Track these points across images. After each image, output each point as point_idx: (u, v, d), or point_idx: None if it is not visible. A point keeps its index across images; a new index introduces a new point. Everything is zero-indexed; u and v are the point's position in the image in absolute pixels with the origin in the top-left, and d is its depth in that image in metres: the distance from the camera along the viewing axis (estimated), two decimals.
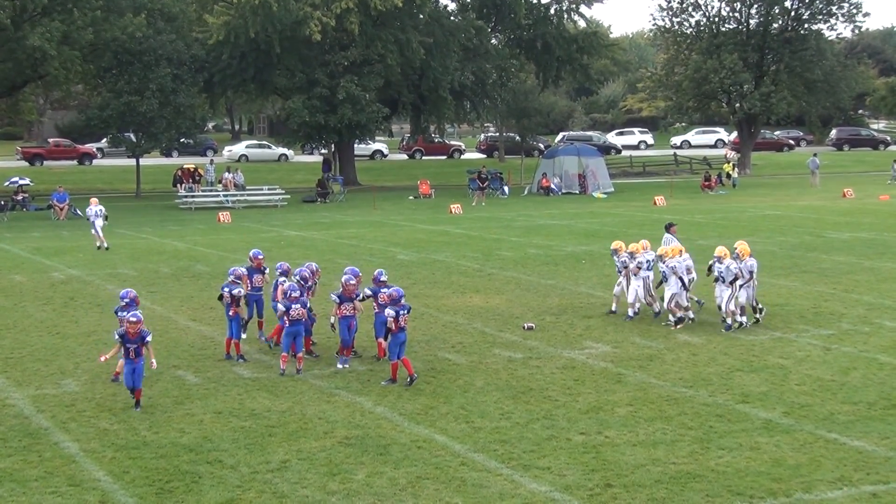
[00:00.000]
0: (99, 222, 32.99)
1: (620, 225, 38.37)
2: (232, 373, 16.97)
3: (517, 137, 72.97)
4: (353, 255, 29.98)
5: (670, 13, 65.73)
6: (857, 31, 70.47)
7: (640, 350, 18.32)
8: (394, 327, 15.92)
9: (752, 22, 64.60)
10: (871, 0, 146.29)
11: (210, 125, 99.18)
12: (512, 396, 15.46)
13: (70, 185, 53.68)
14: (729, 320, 19.69)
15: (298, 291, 17.00)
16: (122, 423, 14.24)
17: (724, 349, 18.28)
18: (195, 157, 69.14)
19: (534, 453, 12.94)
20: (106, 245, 32.61)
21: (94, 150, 75.26)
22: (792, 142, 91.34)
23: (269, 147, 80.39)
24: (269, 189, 52.91)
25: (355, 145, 63.67)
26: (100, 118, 52.08)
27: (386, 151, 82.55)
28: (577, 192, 54.59)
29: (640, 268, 20.58)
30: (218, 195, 50.72)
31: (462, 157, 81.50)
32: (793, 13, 63.84)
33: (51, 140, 79.58)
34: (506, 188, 54.60)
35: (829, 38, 65.70)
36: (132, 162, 55.80)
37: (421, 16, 57.31)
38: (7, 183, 51.78)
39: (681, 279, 19.82)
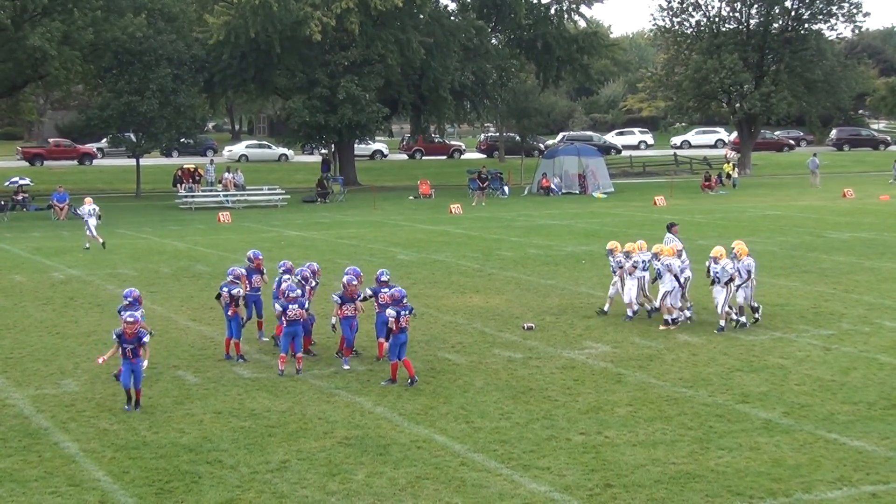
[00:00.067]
0: (92, 221, 33.10)
1: (620, 225, 38.37)
2: (232, 373, 16.97)
3: (517, 137, 72.98)
4: (353, 256, 29.99)
5: (670, 13, 65.73)
6: (857, 31, 70.46)
7: (640, 350, 18.32)
8: (395, 328, 15.91)
9: (752, 22, 64.59)
10: (871, 0, 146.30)
11: (210, 125, 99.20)
12: (512, 396, 15.46)
13: (70, 185, 53.69)
14: (722, 322, 19.67)
15: (297, 291, 16.99)
16: (122, 423, 14.25)
17: (724, 349, 18.28)
18: (195, 157, 69.13)
19: (534, 453, 12.94)
20: (101, 241, 32.66)
21: (95, 150, 75.27)
22: (792, 142, 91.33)
23: (270, 147, 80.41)
24: (269, 189, 52.91)
25: (355, 145, 63.66)
26: (100, 118, 52.09)
27: (386, 151, 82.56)
28: (577, 192, 54.58)
29: (635, 267, 20.57)
30: (218, 195, 50.72)
31: (462, 157, 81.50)
32: (793, 13, 63.83)
33: (51, 140, 79.60)
34: (506, 188, 54.59)
35: (830, 38, 65.69)
36: (132, 162, 55.80)
37: (421, 16, 57.30)
38: (7, 183, 51.77)
39: (676, 277, 19.79)
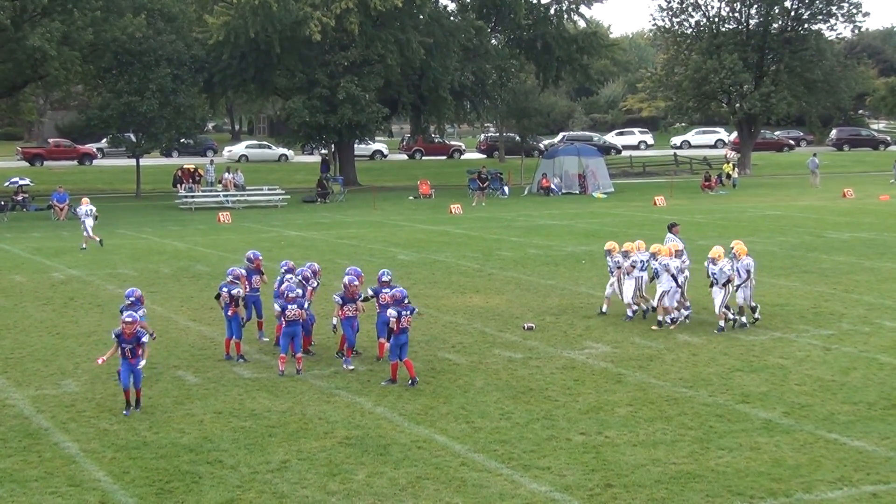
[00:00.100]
0: (89, 222, 33.30)
1: (620, 225, 38.37)
2: (232, 373, 16.97)
3: (517, 138, 72.97)
4: (354, 256, 29.99)
5: (670, 13, 65.73)
6: (857, 31, 70.46)
7: (640, 350, 18.32)
8: (395, 328, 15.91)
9: (752, 22, 64.59)
10: (871, 0, 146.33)
11: (210, 125, 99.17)
12: (512, 396, 15.46)
13: (70, 185, 53.69)
14: (721, 322, 19.66)
15: (296, 291, 16.98)
16: (122, 424, 14.25)
17: (724, 349, 18.28)
18: (195, 157, 69.16)
19: (534, 453, 12.94)
20: (98, 240, 32.71)
21: (95, 150, 75.27)
22: (792, 142, 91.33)
23: (269, 147, 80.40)
24: (269, 189, 52.91)
25: (355, 145, 63.66)
26: (100, 118, 52.09)
27: (386, 151, 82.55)
28: (577, 192, 54.58)
29: (633, 267, 20.56)
30: (218, 195, 50.72)
31: (462, 157, 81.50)
32: (793, 13, 63.82)
33: (51, 140, 79.60)
34: (506, 188, 54.59)
35: (829, 38, 65.69)
36: (132, 162, 55.80)
37: (421, 16, 57.31)
38: (7, 183, 51.77)
39: (673, 277, 19.78)
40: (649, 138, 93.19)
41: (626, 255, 20.85)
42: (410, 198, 52.90)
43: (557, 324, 20.57)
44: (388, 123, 66.58)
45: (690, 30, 65.92)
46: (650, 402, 15.11)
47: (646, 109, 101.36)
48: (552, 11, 63.48)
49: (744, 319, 19.99)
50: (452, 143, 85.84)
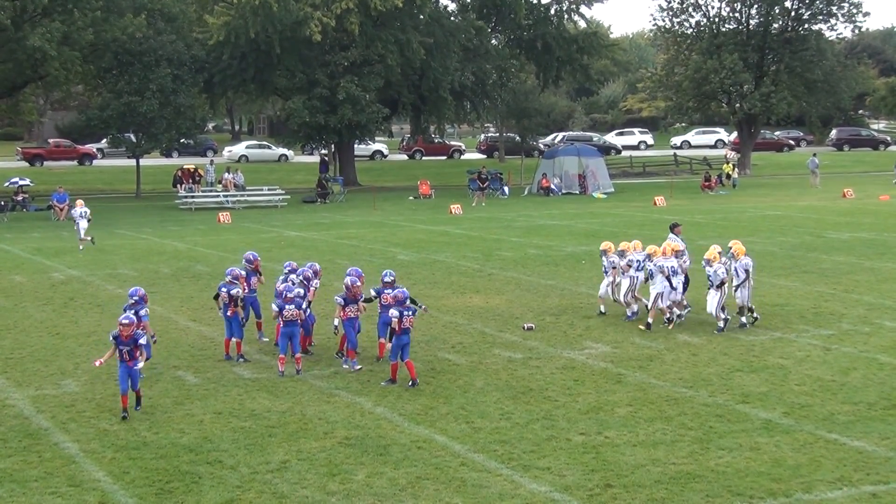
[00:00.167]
0: (83, 223, 33.33)
1: (620, 225, 38.37)
2: (232, 373, 16.97)
3: (517, 138, 72.97)
4: (354, 256, 29.99)
5: (670, 13, 65.74)
6: (857, 31, 70.47)
7: (640, 350, 18.32)
8: (397, 328, 15.90)
9: (752, 22, 64.59)
10: (871, 0, 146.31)
11: (210, 126, 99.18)
12: (512, 397, 15.46)
13: (70, 185, 53.69)
14: (721, 323, 19.65)
15: (295, 291, 16.97)
16: (122, 424, 14.24)
17: (724, 349, 18.28)
18: (195, 157, 69.17)
19: (534, 453, 12.94)
20: (90, 238, 32.79)
21: (95, 150, 75.25)
22: (792, 142, 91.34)
23: (269, 147, 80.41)
24: (269, 189, 52.91)
25: (355, 146, 63.67)
26: (100, 119, 52.09)
27: (386, 152, 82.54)
28: (578, 192, 54.57)
29: (629, 266, 20.55)
30: (218, 196, 50.73)
31: (462, 157, 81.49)
32: (793, 13, 63.83)
33: (51, 140, 79.57)
34: (506, 188, 54.59)
35: (830, 39, 65.70)
36: (132, 162, 55.81)
37: (421, 16, 57.30)
38: (7, 183, 51.76)
39: (668, 279, 19.77)
40: (649, 138, 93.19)
41: (622, 254, 20.84)
42: (410, 198, 52.90)
43: (557, 324, 20.57)
44: (388, 124, 66.59)
45: (690, 30, 65.93)
46: (650, 402, 15.11)
47: (646, 109, 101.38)
48: (552, 11, 63.49)
49: (743, 319, 19.99)
50: (452, 143, 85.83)
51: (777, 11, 63.37)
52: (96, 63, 51.46)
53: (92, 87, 56.60)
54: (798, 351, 18.16)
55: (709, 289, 19.67)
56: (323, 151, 61.25)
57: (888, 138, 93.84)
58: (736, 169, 61.03)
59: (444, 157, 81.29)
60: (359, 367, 16.99)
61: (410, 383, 15.96)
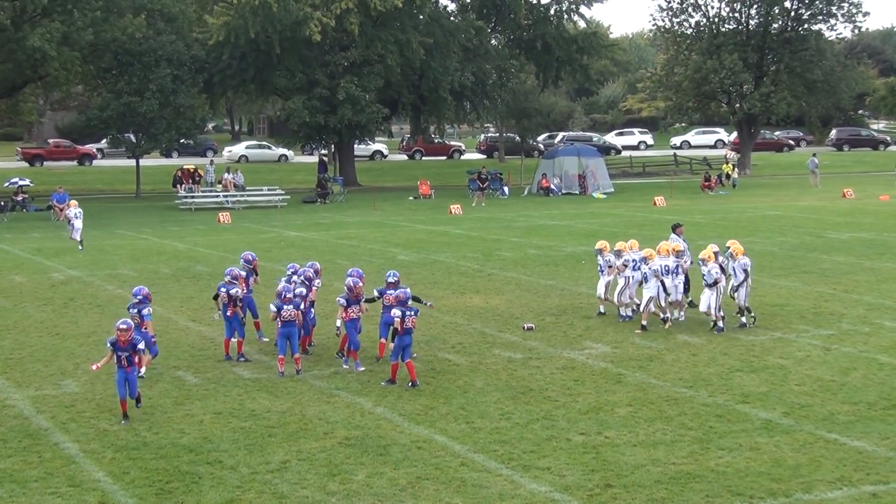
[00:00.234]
0: (77, 224, 33.41)
1: (620, 225, 38.37)
2: (232, 373, 16.97)
3: (517, 138, 72.96)
4: (354, 256, 29.99)
5: (670, 13, 65.73)
6: (857, 31, 70.50)
7: (640, 350, 18.32)
8: (399, 328, 15.90)
9: (752, 22, 64.58)
10: (871, 0, 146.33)
11: (210, 126, 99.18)
12: (512, 397, 15.46)
13: (70, 185, 53.67)
14: (721, 323, 19.65)
15: (293, 292, 16.97)
16: (122, 424, 14.23)
17: (724, 349, 18.28)
18: (195, 157, 69.10)
19: (534, 454, 12.94)
20: (79, 240, 32.84)
21: (94, 150, 75.25)
22: (792, 142, 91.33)
23: (269, 148, 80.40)
24: (268, 190, 52.90)
25: (355, 146, 63.67)
26: (100, 119, 52.09)
27: (386, 152, 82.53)
28: (577, 192, 54.56)
29: (625, 265, 20.54)
30: (218, 196, 50.71)
31: (462, 157, 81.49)
32: (793, 13, 63.82)
33: (51, 141, 79.57)
34: (506, 189, 54.58)
35: (829, 39, 65.70)
36: (132, 163, 55.81)
37: (421, 16, 57.30)
38: (7, 184, 51.75)
39: (662, 282, 19.75)
40: (649, 138, 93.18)
41: (618, 253, 20.84)
42: (410, 198, 52.89)
43: (557, 324, 20.57)
44: (387, 124, 66.53)
45: (690, 30, 65.92)
46: (650, 402, 15.11)
47: (646, 110, 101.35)
48: (552, 12, 63.48)
49: (744, 320, 19.99)
50: (452, 143, 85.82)
51: (777, 11, 63.37)
52: (96, 63, 51.47)
53: (92, 87, 56.60)
54: (798, 351, 18.16)
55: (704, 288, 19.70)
56: (322, 152, 61.24)
57: (888, 138, 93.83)
58: (736, 169, 61.02)
59: (444, 158, 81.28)
60: (361, 368, 16.99)
61: (410, 384, 15.96)
